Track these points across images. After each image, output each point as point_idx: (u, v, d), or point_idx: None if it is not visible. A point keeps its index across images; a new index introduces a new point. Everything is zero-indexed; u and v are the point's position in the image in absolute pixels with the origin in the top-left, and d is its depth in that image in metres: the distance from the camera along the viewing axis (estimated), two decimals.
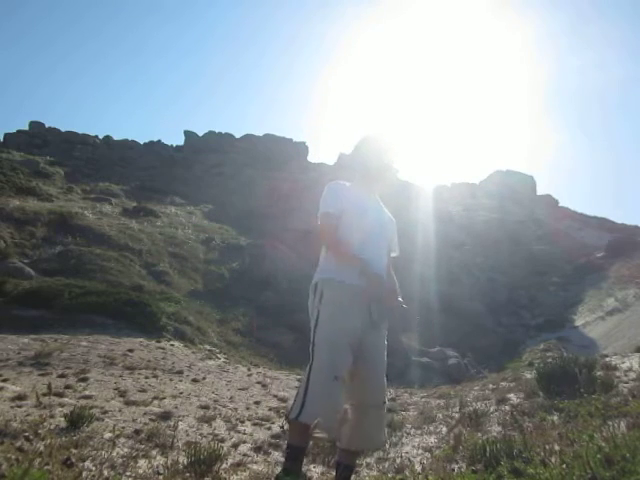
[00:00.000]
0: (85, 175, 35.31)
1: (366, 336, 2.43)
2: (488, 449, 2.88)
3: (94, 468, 2.87)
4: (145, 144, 52.15)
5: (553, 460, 2.44)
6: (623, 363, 7.90)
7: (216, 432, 4.53)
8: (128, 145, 50.53)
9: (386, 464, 3.62)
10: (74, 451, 3.20)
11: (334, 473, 3.43)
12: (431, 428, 5.08)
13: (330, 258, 2.56)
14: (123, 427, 4.15)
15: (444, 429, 4.99)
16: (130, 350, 9.43)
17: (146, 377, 7.41)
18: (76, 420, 3.81)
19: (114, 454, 3.27)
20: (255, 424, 5.14)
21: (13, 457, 2.73)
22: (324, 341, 2.37)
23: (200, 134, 52.51)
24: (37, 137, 45.96)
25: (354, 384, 2.38)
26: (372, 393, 2.40)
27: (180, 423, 4.57)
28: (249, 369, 11.08)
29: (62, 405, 4.61)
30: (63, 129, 49.02)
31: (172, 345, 11.26)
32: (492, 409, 5.62)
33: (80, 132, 49.15)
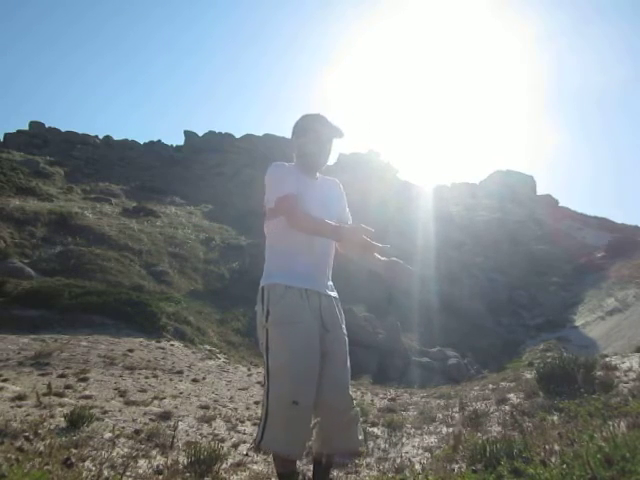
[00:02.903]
0: (85, 175, 35.32)
1: (323, 338, 2.34)
2: (488, 449, 2.88)
3: (94, 468, 2.87)
4: (145, 144, 52.16)
5: (553, 460, 2.44)
6: (623, 363, 7.90)
7: (216, 432, 4.53)
8: (128, 145, 50.53)
9: (386, 464, 3.62)
10: (74, 451, 3.20)
11: (336, 472, 3.43)
12: (431, 428, 5.08)
13: (275, 259, 2.43)
14: (123, 427, 4.15)
15: (444, 429, 4.99)
16: (130, 350, 9.43)
17: (146, 377, 7.42)
18: (76, 420, 3.81)
19: (114, 454, 3.27)
20: (255, 424, 5.13)
21: (13, 457, 2.73)
22: (280, 368, 2.24)
23: (200, 134, 52.55)
24: (37, 137, 45.95)
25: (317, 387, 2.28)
26: (334, 395, 2.30)
27: (180, 423, 4.57)
28: (249, 369, 11.08)
29: (62, 405, 4.61)
30: (63, 129, 49.12)
31: (172, 345, 11.26)
32: (492, 409, 5.62)
33: (80, 132, 49.21)
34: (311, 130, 2.49)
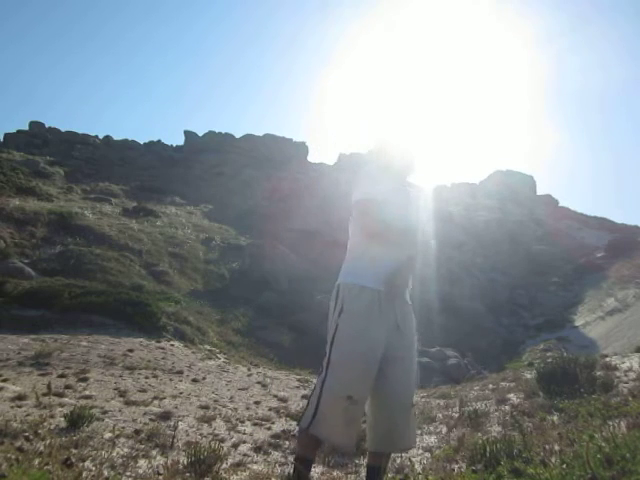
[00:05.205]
0: (85, 175, 35.31)
1: (393, 338, 2.38)
2: (488, 449, 2.88)
3: (94, 468, 2.87)
4: (145, 144, 52.16)
5: (553, 460, 2.44)
6: (623, 363, 7.90)
7: (216, 432, 4.53)
8: (128, 145, 50.52)
9: None
10: (74, 451, 3.20)
11: (336, 473, 3.43)
12: (431, 428, 5.08)
13: (353, 260, 2.49)
14: (123, 427, 4.15)
15: (444, 429, 4.99)
16: (130, 350, 9.43)
17: (146, 377, 7.41)
18: (76, 420, 3.81)
19: (114, 454, 3.27)
20: (255, 424, 5.14)
21: (13, 457, 2.73)
22: (340, 361, 2.31)
23: (200, 134, 52.52)
24: (37, 137, 45.93)
25: (382, 384, 2.34)
26: (400, 393, 2.36)
27: (180, 423, 4.57)
28: (249, 369, 11.08)
29: (62, 405, 4.61)
30: (63, 129, 49.11)
31: (172, 345, 11.26)
32: (492, 409, 5.63)
33: (80, 132, 49.18)
34: (383, 155, 2.59)
